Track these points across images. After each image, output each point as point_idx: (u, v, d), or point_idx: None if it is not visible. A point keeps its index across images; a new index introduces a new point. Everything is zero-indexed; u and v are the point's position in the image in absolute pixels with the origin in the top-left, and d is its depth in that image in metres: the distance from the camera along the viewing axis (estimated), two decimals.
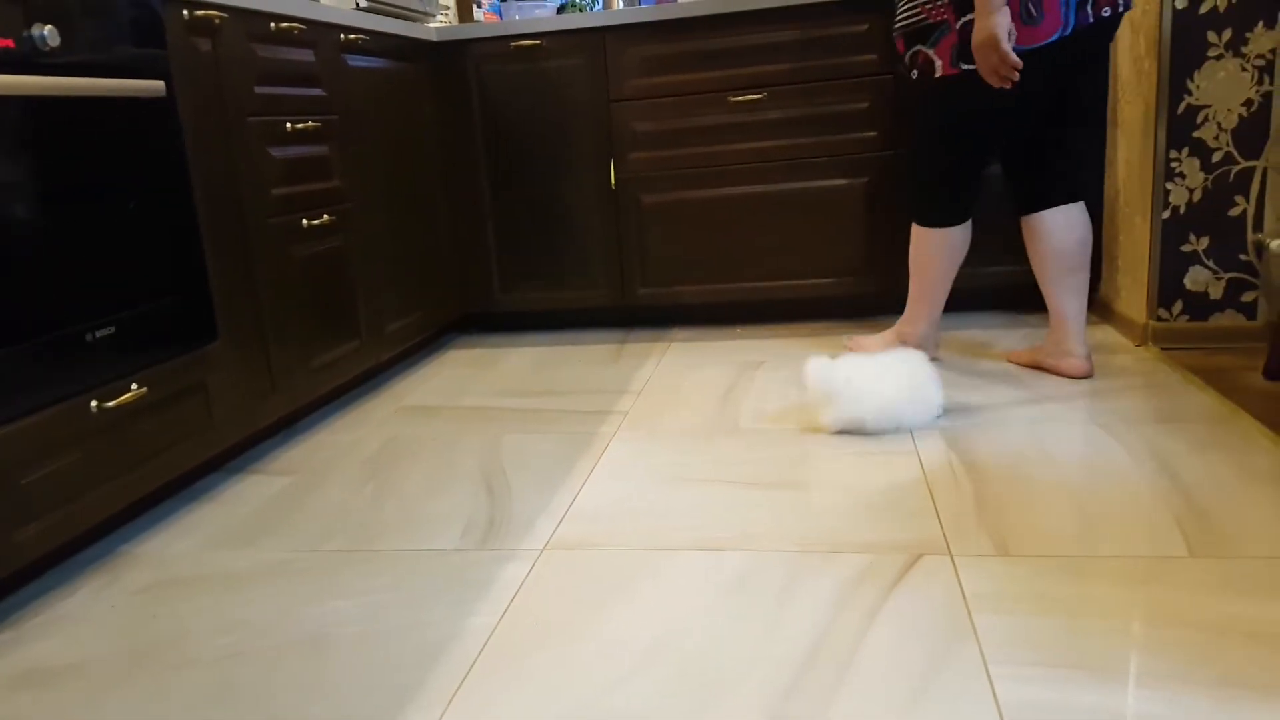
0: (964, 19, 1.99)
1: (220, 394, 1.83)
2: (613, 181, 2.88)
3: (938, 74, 2.09)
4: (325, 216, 2.18)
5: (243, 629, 1.33)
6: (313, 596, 1.41)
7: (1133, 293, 2.50)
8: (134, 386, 1.59)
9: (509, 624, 1.28)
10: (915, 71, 2.15)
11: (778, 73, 2.74)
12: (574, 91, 2.84)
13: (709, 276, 2.92)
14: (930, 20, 2.06)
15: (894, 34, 2.22)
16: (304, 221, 2.11)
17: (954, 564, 1.36)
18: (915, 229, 2.29)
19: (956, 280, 2.50)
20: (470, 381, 2.55)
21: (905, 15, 2.14)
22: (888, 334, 2.44)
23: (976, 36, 1.93)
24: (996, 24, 1.89)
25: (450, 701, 1.12)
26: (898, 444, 1.85)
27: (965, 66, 2.02)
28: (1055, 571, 1.31)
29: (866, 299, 2.94)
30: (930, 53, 2.09)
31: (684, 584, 1.36)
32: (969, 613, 1.22)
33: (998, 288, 2.85)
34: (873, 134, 2.76)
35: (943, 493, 1.60)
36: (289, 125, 2.07)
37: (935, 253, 2.27)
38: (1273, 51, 2.17)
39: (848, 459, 1.79)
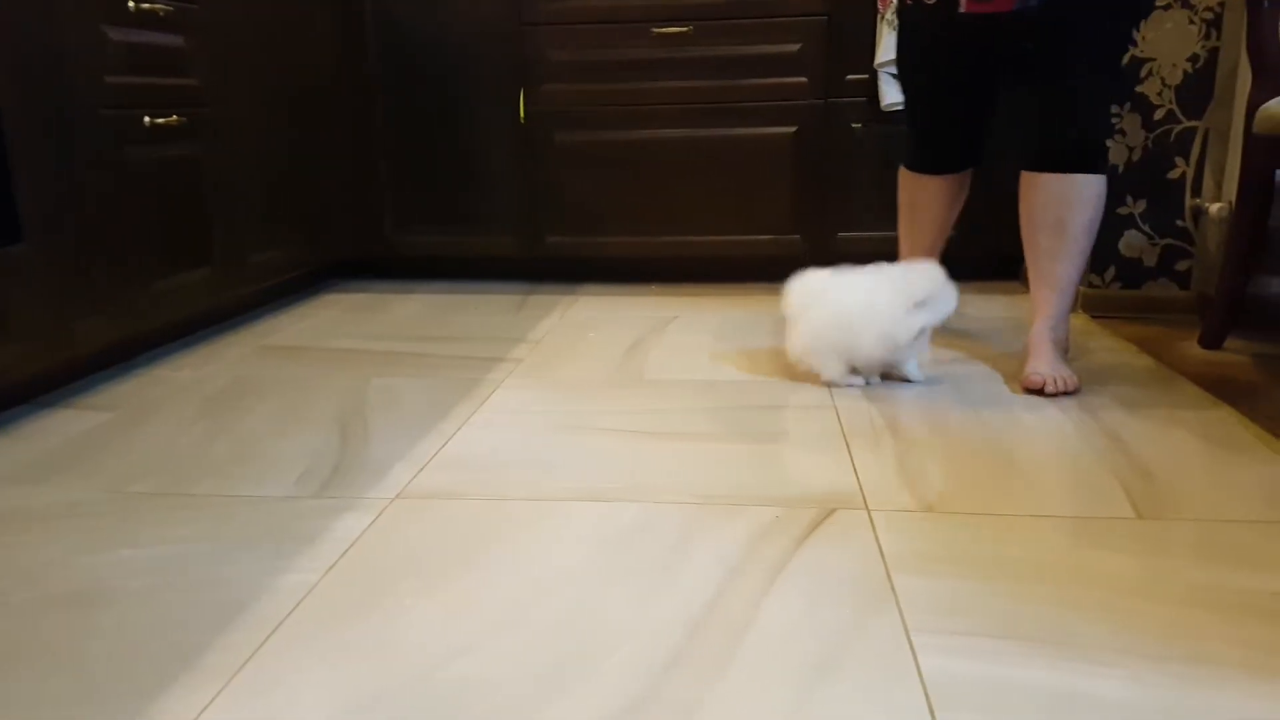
0: None
1: (22, 308, 1.53)
2: (522, 115, 2.62)
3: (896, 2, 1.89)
4: (175, 117, 1.88)
5: (3, 578, 1.06)
6: (100, 544, 1.14)
7: None
8: None
9: (333, 582, 1.04)
10: None
11: (705, 5, 2.52)
12: (482, 9, 2.57)
13: (625, 228, 2.70)
14: None
15: None
16: (146, 119, 1.81)
17: (871, 520, 1.16)
18: (1098, 178, 1.77)
19: None
20: (348, 324, 2.28)
21: None
22: (1049, 346, 1.79)
23: None
24: None
25: (236, 674, 0.87)
26: (814, 397, 1.66)
27: None
28: (988, 531, 1.13)
29: (793, 261, 2.73)
30: None
31: (560, 539, 1.14)
32: (888, 573, 1.03)
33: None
34: (802, 80, 2.57)
35: (862, 447, 1.41)
36: (132, 3, 1.76)
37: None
38: (1222, 4, 2.05)
39: (759, 411, 1.59)
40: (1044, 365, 1.67)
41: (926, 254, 2.01)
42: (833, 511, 1.19)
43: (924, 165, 2.00)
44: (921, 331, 1.67)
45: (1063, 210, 1.72)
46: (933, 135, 1.97)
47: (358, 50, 2.62)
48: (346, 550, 1.11)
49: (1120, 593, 0.99)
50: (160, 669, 0.88)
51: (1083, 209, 1.72)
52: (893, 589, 1.00)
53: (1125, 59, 2.12)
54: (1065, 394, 1.64)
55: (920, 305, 1.64)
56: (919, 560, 1.06)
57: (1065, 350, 1.76)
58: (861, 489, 1.26)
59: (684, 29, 2.54)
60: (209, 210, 2.03)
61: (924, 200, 2.02)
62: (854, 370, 1.73)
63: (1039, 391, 1.64)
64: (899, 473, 1.31)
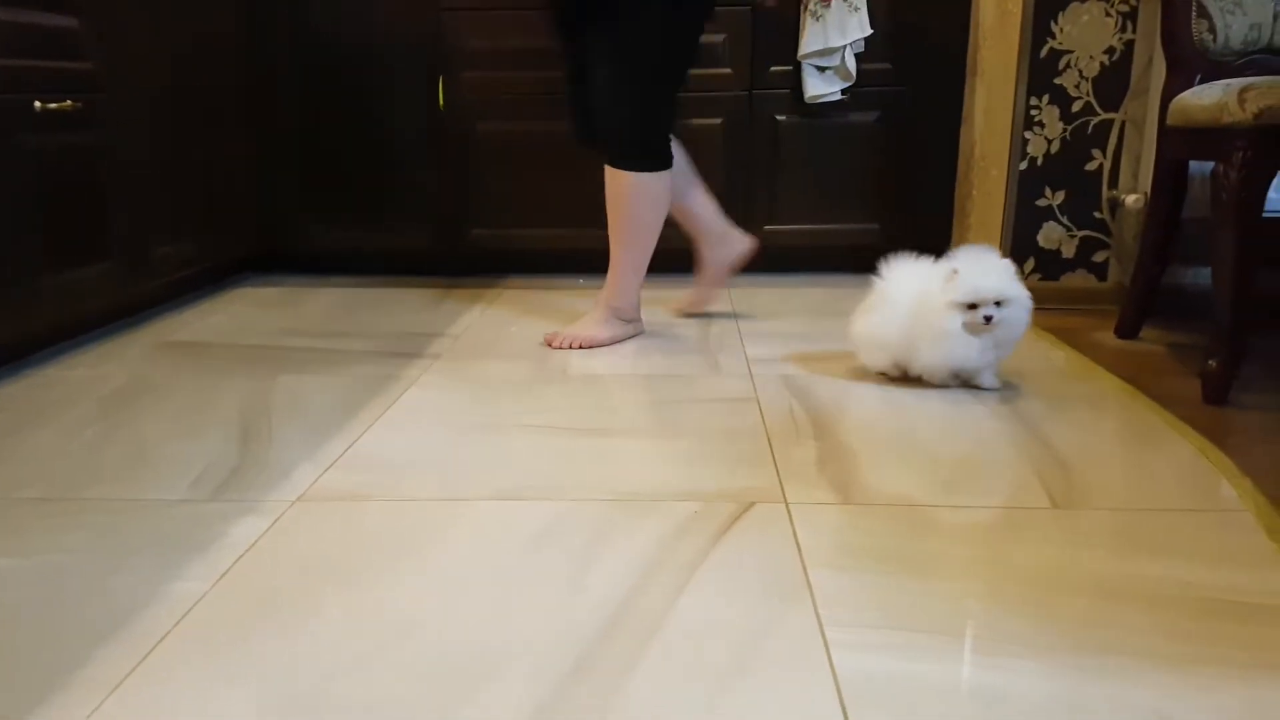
0: None
1: None
2: (441, 104, 2.56)
3: None
4: (68, 102, 1.78)
5: None
6: None
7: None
8: None
9: (225, 590, 0.98)
10: None
11: None
12: None
13: (551, 219, 2.65)
14: None
15: None
16: (37, 104, 1.71)
17: (789, 513, 1.14)
18: (652, 177, 1.89)
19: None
20: (258, 320, 2.19)
21: None
22: (598, 312, 1.99)
23: None
24: None
25: (112, 692, 0.81)
26: (737, 390, 1.64)
27: None
28: (905, 523, 1.12)
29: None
30: None
31: (469, 541, 1.09)
32: (804, 568, 1.01)
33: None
34: (727, 71, 2.55)
35: (782, 441, 1.39)
36: None
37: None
38: None
39: (681, 406, 1.56)
40: (576, 327, 1.94)
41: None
42: (751, 505, 1.17)
43: (575, 132, 2.02)
44: (965, 333, 1.52)
45: (611, 199, 1.91)
46: (569, 102, 2.00)
47: (267, 36, 2.52)
48: (241, 556, 1.05)
49: (1036, 584, 0.98)
50: (32, 687, 0.81)
51: (619, 203, 1.89)
52: (809, 584, 0.97)
53: (1044, 51, 2.14)
54: (577, 348, 1.90)
55: (959, 305, 1.51)
56: (836, 554, 1.04)
57: (627, 318, 1.99)
58: (781, 482, 1.24)
59: None
60: (107, 201, 1.93)
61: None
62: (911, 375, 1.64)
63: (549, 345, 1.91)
64: (819, 466, 1.30)
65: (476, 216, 2.64)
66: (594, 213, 2.64)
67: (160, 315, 2.21)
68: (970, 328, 1.52)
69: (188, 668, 0.85)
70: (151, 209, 2.09)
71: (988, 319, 1.50)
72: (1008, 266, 1.53)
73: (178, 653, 0.87)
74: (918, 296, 1.57)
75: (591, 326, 1.95)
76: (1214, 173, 1.53)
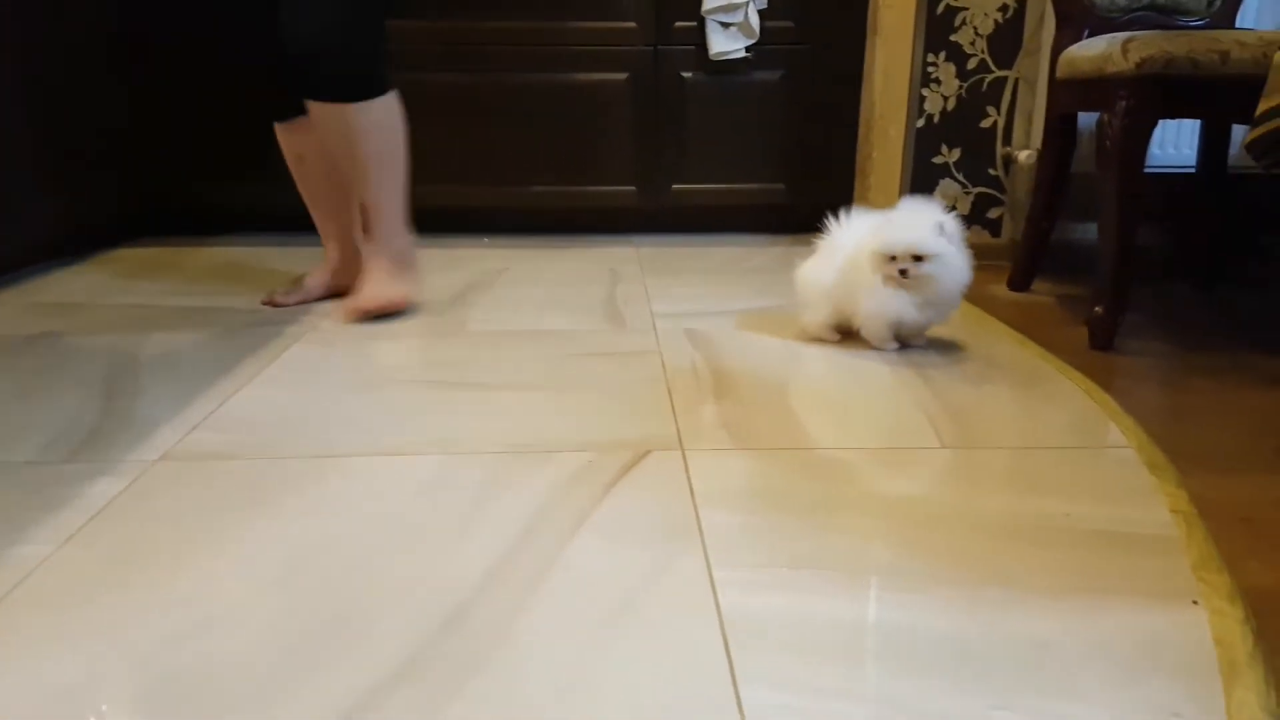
0: None
1: None
2: None
3: None
4: None
5: None
6: None
7: (882, 207, 2.40)
8: None
9: (71, 553, 0.90)
10: None
11: None
12: None
13: (452, 176, 2.56)
14: None
15: None
16: None
17: (684, 459, 1.12)
18: (379, 102, 1.66)
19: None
20: (137, 280, 2.06)
21: None
22: (383, 264, 1.76)
23: None
24: None
25: None
26: (640, 343, 1.61)
27: None
28: (798, 466, 1.11)
29: (631, 212, 2.67)
30: None
31: (343, 498, 1.03)
32: (696, 511, 0.98)
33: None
34: (631, 25, 2.49)
35: (683, 391, 1.37)
36: None
37: (402, 125, 1.74)
38: None
39: (581, 359, 1.52)
40: (371, 292, 1.72)
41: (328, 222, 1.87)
42: (647, 453, 1.14)
43: (280, 84, 1.71)
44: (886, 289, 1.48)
45: (351, 139, 1.64)
46: (257, 52, 1.78)
47: None
48: (92, 519, 0.97)
49: (925, 522, 0.98)
50: None
51: (366, 138, 1.65)
52: (700, 527, 0.95)
53: (940, 7, 2.15)
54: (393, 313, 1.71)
55: (879, 255, 1.48)
56: (729, 497, 1.02)
57: (408, 256, 1.79)
58: (678, 430, 1.21)
59: None
60: None
61: None
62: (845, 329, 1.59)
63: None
64: (717, 414, 1.28)
65: None
66: (499, 171, 2.58)
67: (29, 277, 2.06)
68: (888, 280, 1.49)
69: (22, 632, 0.77)
70: (16, 165, 1.93)
71: (903, 272, 1.47)
72: (943, 222, 1.47)
73: (12, 617, 0.79)
74: (857, 245, 1.54)
75: (388, 285, 1.72)
76: (1099, 122, 1.56)
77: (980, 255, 2.31)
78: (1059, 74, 1.81)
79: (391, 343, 1.61)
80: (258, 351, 1.53)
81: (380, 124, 1.66)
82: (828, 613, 0.80)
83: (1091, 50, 1.62)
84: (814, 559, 0.89)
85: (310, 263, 2.08)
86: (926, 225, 1.46)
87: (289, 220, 2.58)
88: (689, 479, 1.07)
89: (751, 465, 1.11)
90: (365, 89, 1.62)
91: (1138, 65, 1.46)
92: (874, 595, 0.83)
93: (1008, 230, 2.29)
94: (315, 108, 1.62)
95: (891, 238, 1.47)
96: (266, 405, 1.30)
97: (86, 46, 2.23)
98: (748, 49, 2.50)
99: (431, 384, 1.39)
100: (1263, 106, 1.27)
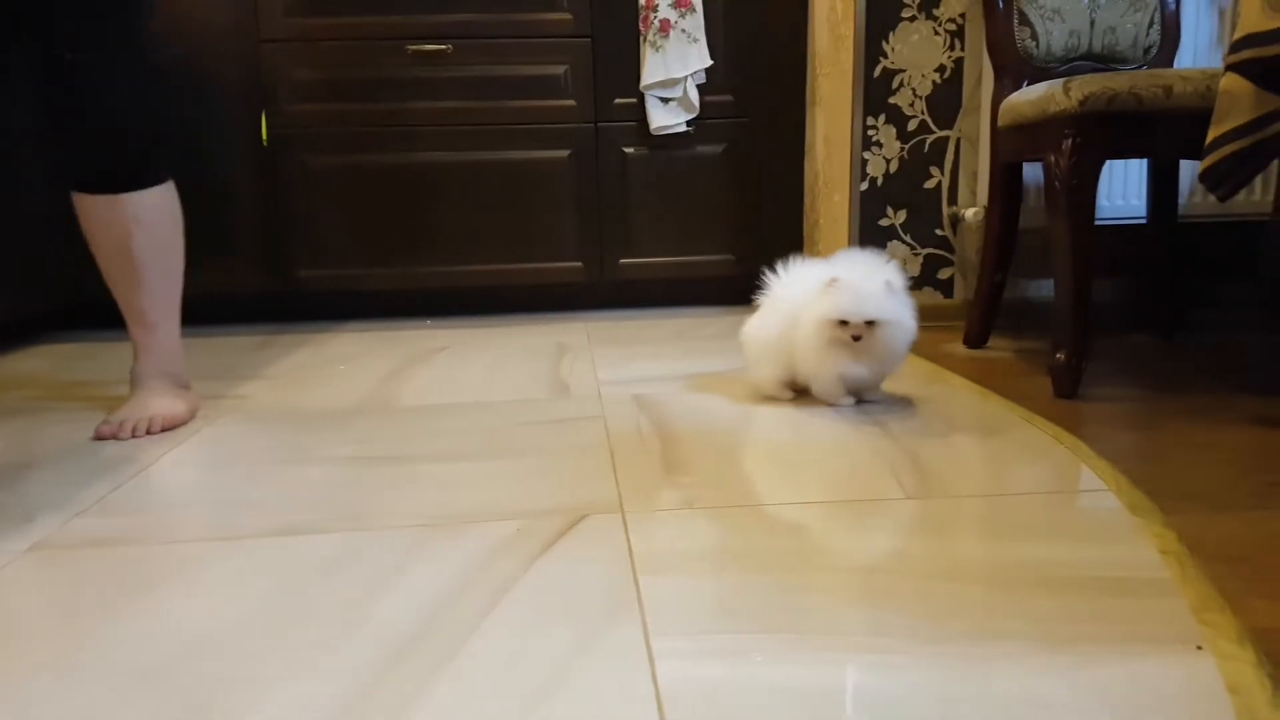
0: None
1: None
2: (264, 138, 2.38)
3: None
4: None
5: None
6: None
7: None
8: None
9: None
10: None
11: (462, 23, 2.39)
12: (215, 25, 2.32)
13: (392, 259, 2.48)
14: None
15: None
16: None
17: (625, 522, 1.00)
18: (156, 194, 1.41)
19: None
20: (49, 373, 1.93)
21: None
22: (157, 385, 1.46)
23: None
24: None
25: None
26: (583, 410, 1.50)
27: None
28: (751, 523, 1.00)
29: (578, 288, 2.60)
30: None
31: (238, 581, 0.90)
32: (635, 576, 0.87)
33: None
34: (571, 103, 2.47)
35: (627, 454, 1.26)
36: None
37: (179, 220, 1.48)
38: (963, 16, 2.13)
39: (520, 428, 1.41)
40: (138, 407, 1.42)
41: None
42: (583, 518, 1.02)
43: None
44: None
45: (130, 234, 1.39)
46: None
47: None
48: None
49: (892, 574, 0.87)
50: None
51: (151, 232, 1.41)
52: (638, 593, 0.83)
53: (877, 71, 2.15)
54: (159, 431, 1.40)
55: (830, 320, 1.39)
56: (673, 560, 0.91)
57: (185, 383, 1.51)
58: (619, 493, 1.10)
59: (442, 47, 2.39)
60: None
61: None
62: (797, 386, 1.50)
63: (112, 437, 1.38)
64: (663, 475, 1.17)
65: (308, 256, 2.45)
66: (440, 251, 2.51)
67: None
68: (837, 342, 1.41)
69: None
70: None
71: (856, 338, 1.39)
72: (890, 282, 1.39)
73: None
74: (800, 299, 1.46)
75: (161, 402, 1.44)
76: (1045, 165, 1.52)
77: (934, 316, 2.27)
78: (1001, 122, 1.79)
79: (312, 422, 1.49)
80: (164, 435, 1.40)
81: (175, 206, 1.43)
82: (777, 677, 0.69)
83: (1033, 94, 1.59)
84: (766, 622, 0.78)
85: (237, 349, 1.97)
86: (877, 289, 1.38)
87: (213, 309, 2.48)
88: (629, 543, 0.95)
89: (699, 526, 1.00)
90: (164, 170, 1.43)
91: (1081, 103, 1.43)
92: (840, 659, 0.72)
93: (960, 290, 2.24)
94: (79, 199, 1.39)
95: (846, 307, 1.38)
96: (165, 487, 1.17)
97: (10, 133, 2.15)
98: (689, 123, 2.49)
99: (349, 460, 1.27)
100: (1213, 134, 1.23)
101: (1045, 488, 1.10)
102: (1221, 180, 1.23)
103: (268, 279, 2.44)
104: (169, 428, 1.43)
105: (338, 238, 2.45)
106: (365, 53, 2.38)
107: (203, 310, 2.48)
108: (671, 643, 0.74)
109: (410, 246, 2.48)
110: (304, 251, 2.45)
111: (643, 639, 0.75)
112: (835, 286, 1.39)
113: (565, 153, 2.49)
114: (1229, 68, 1.20)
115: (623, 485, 1.13)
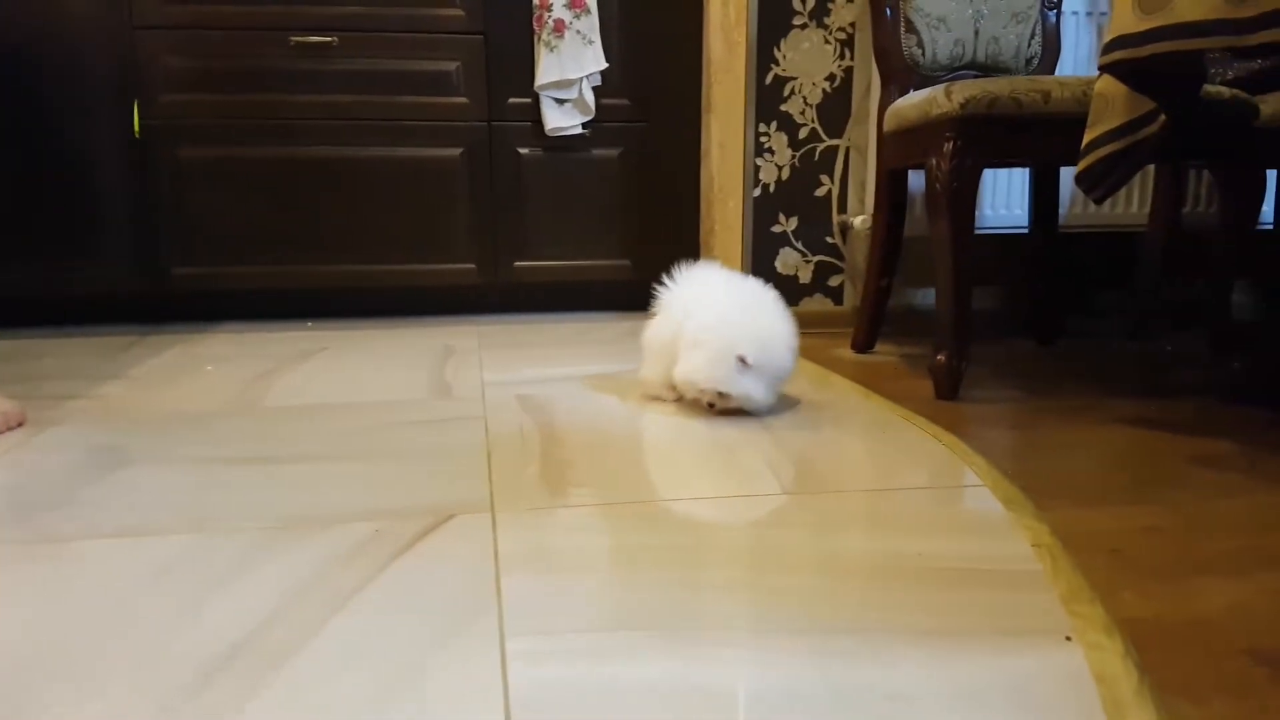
0: None
1: None
2: (136, 129, 2.24)
3: None
4: None
5: None
6: None
7: None
8: None
9: None
10: None
11: (348, 15, 2.30)
12: (84, 8, 2.17)
13: (272, 257, 2.36)
14: None
15: None
16: None
17: (494, 522, 0.95)
18: None
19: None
20: None
21: None
22: None
23: None
24: None
25: None
26: (464, 411, 1.44)
27: None
28: (625, 519, 0.96)
29: (470, 291, 2.53)
30: None
31: (61, 586, 0.81)
32: (497, 576, 0.82)
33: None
34: (464, 100, 2.41)
35: (504, 453, 1.21)
36: None
37: None
38: (853, 25, 2.16)
39: (391, 429, 1.34)
40: None
41: None
42: (450, 518, 0.97)
43: None
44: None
45: None
46: None
47: None
48: None
49: (758, 568, 0.84)
50: None
51: None
52: (498, 593, 0.78)
53: (769, 78, 2.17)
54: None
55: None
56: (540, 558, 0.86)
57: None
58: (491, 492, 1.05)
59: (327, 39, 2.30)
60: None
61: None
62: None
63: None
64: (540, 473, 1.12)
65: (181, 253, 2.31)
66: (325, 250, 2.40)
67: None
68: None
69: None
70: None
71: (710, 405, 1.36)
72: (743, 355, 1.30)
73: None
74: (685, 308, 1.42)
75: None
76: (927, 168, 1.54)
77: (823, 323, 2.29)
78: (886, 127, 1.81)
79: (166, 423, 1.38)
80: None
81: None
82: (638, 679, 0.65)
83: (917, 99, 1.62)
84: (630, 619, 0.74)
85: (99, 350, 1.83)
86: (724, 367, 1.32)
87: (79, 309, 2.32)
88: (495, 542, 0.90)
89: (571, 522, 0.95)
90: None
91: (962, 105, 1.46)
92: (697, 653, 0.68)
93: (849, 297, 2.27)
94: None
95: (692, 378, 1.35)
96: None
97: None
98: (585, 125, 2.46)
99: (201, 461, 1.18)
100: (1088, 136, 1.26)
101: (923, 483, 1.10)
102: (1097, 182, 1.26)
103: (139, 278, 2.30)
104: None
105: (214, 235, 2.32)
106: (246, 42, 2.27)
107: (69, 311, 2.33)
108: (529, 643, 0.69)
109: (292, 245, 2.36)
110: (178, 249, 2.31)
111: (498, 640, 0.70)
112: (696, 348, 1.34)
113: (457, 151, 2.42)
114: (1103, 69, 1.23)
115: (496, 485, 1.08)
